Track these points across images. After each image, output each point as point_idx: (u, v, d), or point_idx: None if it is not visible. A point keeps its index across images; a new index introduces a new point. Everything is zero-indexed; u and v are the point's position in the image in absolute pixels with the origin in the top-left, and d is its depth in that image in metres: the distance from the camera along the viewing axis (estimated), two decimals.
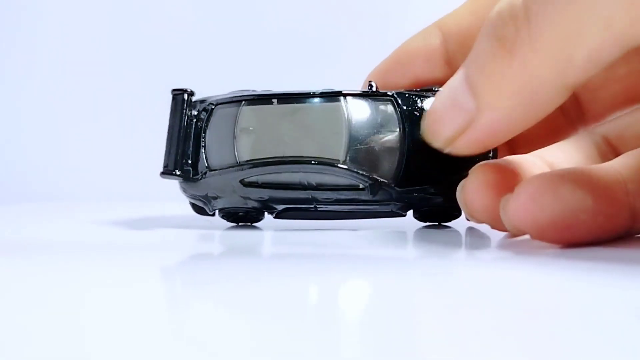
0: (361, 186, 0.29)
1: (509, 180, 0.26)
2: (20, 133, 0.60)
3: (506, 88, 0.23)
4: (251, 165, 0.29)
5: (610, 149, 0.30)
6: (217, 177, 0.30)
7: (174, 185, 0.32)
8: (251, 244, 0.29)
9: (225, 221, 0.32)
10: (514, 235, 0.28)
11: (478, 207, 0.26)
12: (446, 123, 0.26)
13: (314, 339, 0.14)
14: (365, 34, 0.57)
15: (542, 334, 0.15)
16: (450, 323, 0.16)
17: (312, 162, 0.29)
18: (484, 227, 0.31)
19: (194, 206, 0.32)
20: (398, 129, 0.29)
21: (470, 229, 0.31)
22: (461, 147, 0.26)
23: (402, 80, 0.32)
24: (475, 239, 0.30)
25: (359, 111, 0.30)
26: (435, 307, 0.17)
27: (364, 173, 0.29)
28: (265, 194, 0.30)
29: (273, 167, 0.29)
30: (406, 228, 0.31)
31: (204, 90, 0.33)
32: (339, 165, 0.29)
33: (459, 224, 0.32)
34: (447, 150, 0.26)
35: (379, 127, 0.29)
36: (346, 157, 0.29)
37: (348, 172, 0.29)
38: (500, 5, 0.23)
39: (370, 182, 0.29)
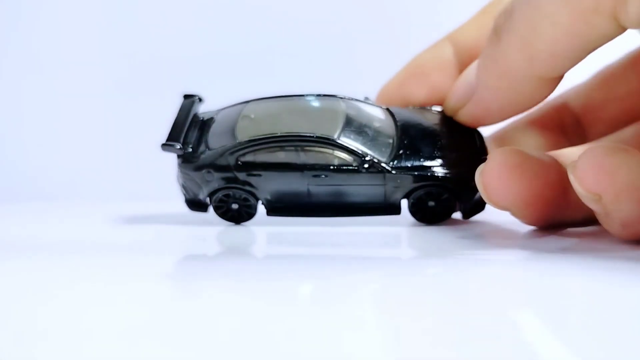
0: (355, 164, 0.30)
1: (534, 164, 0.26)
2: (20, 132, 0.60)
3: (494, 70, 0.27)
4: (248, 143, 0.30)
5: None
6: (214, 153, 0.31)
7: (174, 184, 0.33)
8: (246, 243, 0.29)
9: (219, 219, 0.32)
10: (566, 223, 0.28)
11: (501, 191, 0.26)
12: (456, 93, 0.31)
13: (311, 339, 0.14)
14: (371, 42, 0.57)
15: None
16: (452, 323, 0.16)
17: (309, 135, 0.30)
18: (473, 228, 0.32)
19: (188, 203, 0.33)
20: (391, 124, 0.32)
21: (463, 228, 0.31)
22: (461, 116, 0.31)
23: (419, 90, 0.33)
24: (470, 238, 0.30)
25: (354, 108, 0.32)
26: (438, 307, 0.18)
27: (358, 149, 0.30)
28: (260, 171, 0.31)
29: (269, 142, 0.30)
30: (400, 227, 0.31)
31: (209, 95, 0.34)
32: (334, 140, 0.30)
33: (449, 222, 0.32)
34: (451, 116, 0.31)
35: (373, 120, 0.32)
36: (341, 135, 0.30)
37: (343, 146, 0.30)
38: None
39: (362, 158, 0.30)
